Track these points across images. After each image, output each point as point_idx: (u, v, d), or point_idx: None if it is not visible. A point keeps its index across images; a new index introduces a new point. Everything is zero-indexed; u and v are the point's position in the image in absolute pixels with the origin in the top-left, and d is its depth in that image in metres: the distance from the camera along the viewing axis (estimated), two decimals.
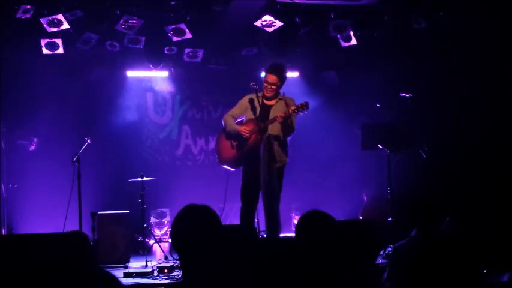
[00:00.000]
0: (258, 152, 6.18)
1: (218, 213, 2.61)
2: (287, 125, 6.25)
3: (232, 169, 6.61)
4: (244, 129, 6.33)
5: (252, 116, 6.38)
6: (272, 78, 6.26)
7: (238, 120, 6.54)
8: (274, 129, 6.24)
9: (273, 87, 6.26)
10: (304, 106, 6.19)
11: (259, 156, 6.15)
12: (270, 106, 6.29)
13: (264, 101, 6.39)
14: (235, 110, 6.53)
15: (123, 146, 8.27)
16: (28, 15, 7.12)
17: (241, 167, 6.48)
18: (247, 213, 6.35)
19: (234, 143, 6.50)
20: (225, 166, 6.61)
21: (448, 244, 3.54)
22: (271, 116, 6.22)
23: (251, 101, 6.41)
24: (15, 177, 7.80)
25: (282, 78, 6.32)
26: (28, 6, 7.03)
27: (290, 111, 6.18)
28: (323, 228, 2.93)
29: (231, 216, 7.97)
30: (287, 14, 7.85)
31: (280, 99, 6.33)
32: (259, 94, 6.33)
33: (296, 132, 8.62)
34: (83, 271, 1.81)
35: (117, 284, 1.87)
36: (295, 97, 6.43)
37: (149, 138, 8.62)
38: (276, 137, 6.27)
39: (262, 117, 6.32)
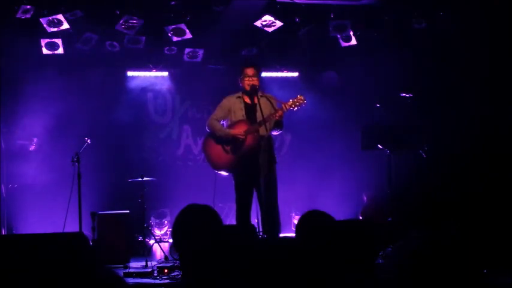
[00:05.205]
0: (256, 152, 6.12)
1: (219, 213, 2.60)
2: (281, 122, 6.25)
3: (227, 174, 6.46)
4: (238, 132, 6.26)
5: (240, 118, 6.32)
6: (251, 70, 6.30)
7: (221, 123, 6.45)
8: (267, 127, 6.18)
9: (254, 79, 6.27)
10: (301, 100, 6.19)
11: (258, 156, 6.12)
12: (255, 105, 6.15)
13: (246, 100, 6.38)
14: (218, 113, 6.43)
15: (123, 146, 8.26)
16: (28, 15, 7.12)
17: (236, 170, 6.37)
18: (245, 216, 6.30)
19: (227, 147, 6.34)
20: (221, 172, 6.48)
21: (448, 244, 3.53)
22: (259, 113, 6.07)
23: (233, 102, 6.39)
24: (15, 177, 7.79)
25: (259, 70, 6.43)
26: (28, 6, 7.03)
27: (288, 106, 6.18)
28: (323, 228, 2.93)
29: (231, 217, 7.97)
30: (287, 14, 7.86)
31: (261, 96, 6.32)
32: (240, 94, 6.38)
33: (296, 132, 8.69)
34: (90, 271, 1.81)
35: (123, 285, 1.88)
36: (294, 97, 6.40)
37: (149, 138, 8.61)
38: (270, 136, 6.27)
39: (250, 116, 6.30)
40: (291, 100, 6.21)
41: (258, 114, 6.10)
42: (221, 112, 6.43)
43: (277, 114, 6.12)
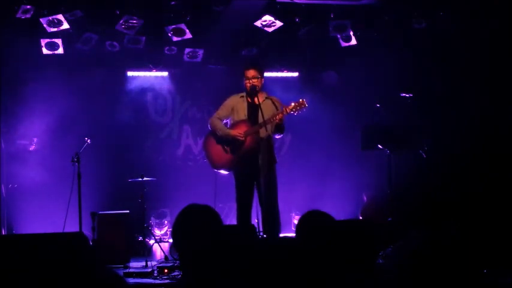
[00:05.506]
0: (256, 154, 6.13)
1: (219, 213, 2.60)
2: (282, 125, 6.24)
3: (227, 172, 6.50)
4: (238, 133, 6.26)
5: (242, 118, 6.33)
6: (251, 72, 6.28)
7: (223, 122, 6.46)
8: (268, 129, 6.18)
9: (254, 80, 6.25)
10: (303, 104, 6.18)
11: (258, 158, 6.11)
12: (258, 105, 6.13)
13: (249, 100, 6.37)
14: (221, 112, 6.46)
15: (123, 146, 8.26)
16: (28, 15, 7.12)
17: (236, 170, 6.39)
18: (245, 216, 6.31)
19: (227, 147, 6.37)
20: (221, 171, 6.51)
21: (448, 244, 3.53)
22: (261, 115, 6.08)
23: (236, 102, 6.40)
24: (15, 177, 7.79)
25: (261, 71, 6.36)
26: (28, 6, 7.03)
27: (288, 110, 6.17)
28: (323, 228, 2.93)
29: (231, 217, 7.97)
30: (287, 14, 7.85)
31: (266, 97, 6.31)
32: (243, 94, 6.37)
33: (296, 132, 8.69)
34: (90, 271, 1.81)
35: (123, 285, 1.88)
36: (294, 97, 6.40)
37: (149, 138, 8.61)
38: (270, 137, 6.26)
39: (252, 117, 6.29)
40: (292, 103, 6.19)
41: (260, 115, 6.11)
42: (224, 111, 6.45)
43: (278, 117, 6.12)
